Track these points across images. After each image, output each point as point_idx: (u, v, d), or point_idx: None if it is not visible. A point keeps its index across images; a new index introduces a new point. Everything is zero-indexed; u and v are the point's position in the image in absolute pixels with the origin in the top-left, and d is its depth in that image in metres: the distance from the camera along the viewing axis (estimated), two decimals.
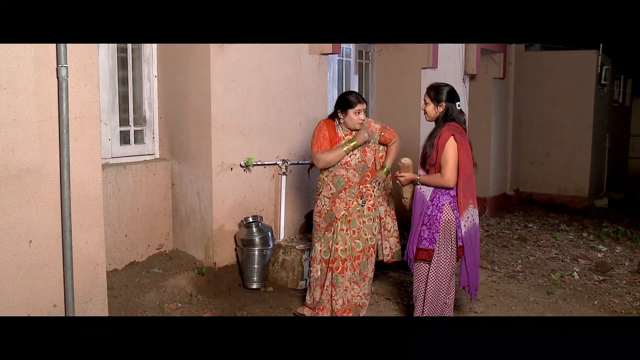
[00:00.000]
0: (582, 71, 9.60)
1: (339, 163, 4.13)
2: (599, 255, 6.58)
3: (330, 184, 4.21)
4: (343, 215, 4.16)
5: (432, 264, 3.83)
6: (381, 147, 4.36)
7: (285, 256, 5.13)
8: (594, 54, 9.63)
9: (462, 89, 7.69)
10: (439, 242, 3.80)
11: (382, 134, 4.26)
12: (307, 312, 4.43)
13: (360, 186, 4.19)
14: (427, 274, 3.86)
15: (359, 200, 4.17)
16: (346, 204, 4.17)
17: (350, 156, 4.13)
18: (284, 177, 5.38)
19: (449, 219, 3.79)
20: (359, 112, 4.07)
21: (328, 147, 4.15)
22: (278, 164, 5.33)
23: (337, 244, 4.17)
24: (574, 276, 5.70)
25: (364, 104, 4.11)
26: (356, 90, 6.83)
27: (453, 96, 3.86)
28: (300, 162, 5.42)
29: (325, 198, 4.24)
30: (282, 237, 5.44)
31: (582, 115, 9.65)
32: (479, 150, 8.69)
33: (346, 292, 4.19)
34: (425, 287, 3.87)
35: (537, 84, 9.87)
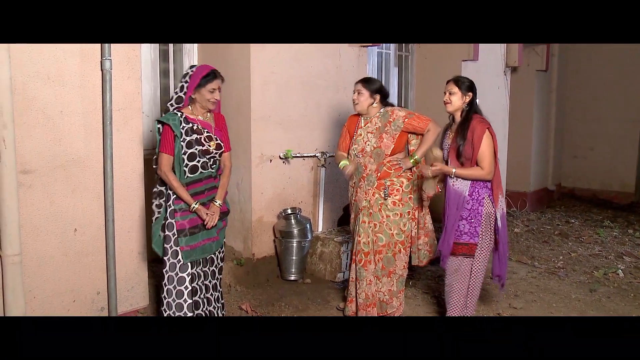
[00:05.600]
0: (630, 62, 9.24)
1: (355, 152, 4.13)
2: None
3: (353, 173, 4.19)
4: (365, 207, 4.09)
5: (475, 258, 3.80)
6: (414, 141, 4.15)
7: (324, 248, 5.14)
8: None
9: (503, 82, 7.56)
10: (481, 235, 3.77)
11: (406, 120, 4.04)
12: (342, 305, 4.45)
13: (384, 179, 4.05)
14: (471, 268, 3.83)
15: (381, 193, 4.06)
16: (366, 194, 4.08)
17: (365, 142, 4.09)
18: (322, 169, 5.38)
19: (489, 212, 3.77)
20: (354, 92, 4.14)
21: (343, 144, 4.32)
22: (317, 156, 5.34)
23: (360, 237, 4.09)
24: (618, 274, 5.55)
25: (358, 84, 4.12)
26: (396, 82, 6.80)
27: (475, 90, 3.87)
28: None
29: (351, 187, 4.25)
30: (320, 229, 5.45)
31: (629, 107, 9.31)
32: (520, 144, 8.56)
33: (369, 286, 4.07)
34: (469, 280, 3.85)
35: (581, 75, 9.61)
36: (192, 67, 3.43)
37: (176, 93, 3.41)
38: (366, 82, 4.12)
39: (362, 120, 4.17)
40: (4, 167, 3.16)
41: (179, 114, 3.35)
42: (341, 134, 4.38)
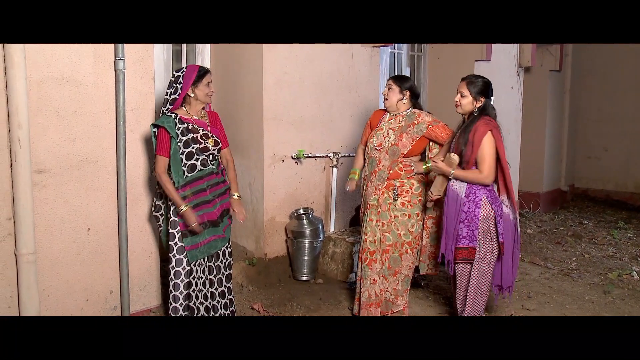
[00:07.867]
0: None
1: (373, 145, 4.13)
2: None
3: (366, 165, 4.22)
4: (373, 205, 4.07)
5: (474, 263, 3.64)
6: (435, 150, 4.12)
7: (336, 248, 5.14)
8: None
9: (516, 82, 7.51)
10: (479, 239, 3.62)
11: (430, 127, 4.02)
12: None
13: (394, 180, 4.04)
14: (469, 274, 3.68)
15: (390, 193, 4.04)
16: (375, 189, 4.07)
17: (384, 138, 4.08)
18: (335, 169, 5.38)
19: (487, 215, 3.60)
20: (387, 87, 4.17)
21: (364, 138, 4.34)
22: (329, 156, 5.33)
23: (366, 235, 4.07)
24: (633, 276, 5.50)
25: (390, 80, 4.16)
26: None
27: (490, 91, 3.70)
28: (351, 154, 5.39)
29: (363, 180, 4.26)
30: (332, 229, 5.45)
31: None
32: (533, 145, 8.50)
33: (373, 285, 4.04)
34: (467, 286, 3.70)
35: (595, 76, 9.53)
36: (179, 70, 3.47)
37: (170, 95, 3.46)
38: (397, 78, 4.17)
39: (387, 115, 4.18)
40: (19, 167, 3.19)
41: (173, 115, 3.42)
42: (365, 127, 4.39)
